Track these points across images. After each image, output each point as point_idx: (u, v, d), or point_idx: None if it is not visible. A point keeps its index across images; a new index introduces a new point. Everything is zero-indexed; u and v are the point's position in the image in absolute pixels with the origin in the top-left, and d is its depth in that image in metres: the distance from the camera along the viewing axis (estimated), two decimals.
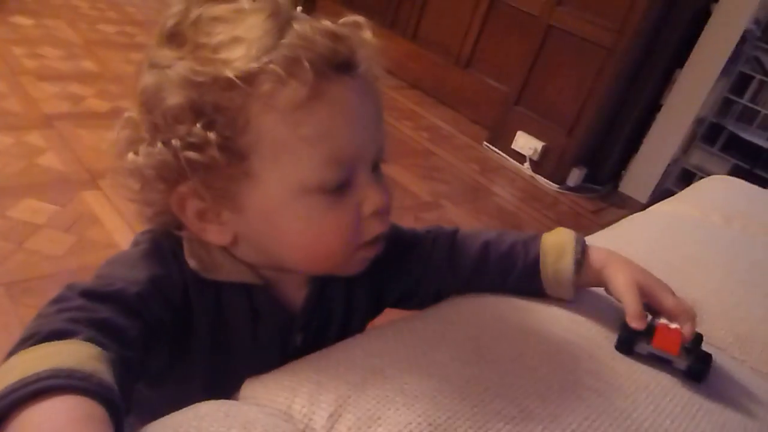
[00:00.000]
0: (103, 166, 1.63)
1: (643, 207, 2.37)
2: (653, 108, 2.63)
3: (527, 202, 2.41)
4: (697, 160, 2.66)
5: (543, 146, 2.60)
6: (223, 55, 0.43)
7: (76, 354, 0.35)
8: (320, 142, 0.45)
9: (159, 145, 0.45)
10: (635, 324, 0.54)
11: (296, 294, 0.54)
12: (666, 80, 2.59)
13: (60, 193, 1.53)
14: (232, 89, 0.42)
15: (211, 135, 0.43)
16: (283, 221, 0.47)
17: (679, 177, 2.69)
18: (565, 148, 2.57)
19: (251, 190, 0.46)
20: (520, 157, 2.68)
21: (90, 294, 0.41)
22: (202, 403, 0.40)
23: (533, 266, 0.59)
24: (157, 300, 0.45)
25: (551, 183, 2.59)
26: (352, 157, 0.47)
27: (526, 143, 2.65)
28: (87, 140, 1.80)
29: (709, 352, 0.56)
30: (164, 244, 0.49)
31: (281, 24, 0.44)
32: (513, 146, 2.69)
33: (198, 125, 0.43)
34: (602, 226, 1.06)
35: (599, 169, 2.68)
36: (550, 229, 0.63)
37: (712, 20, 2.43)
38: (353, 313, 0.59)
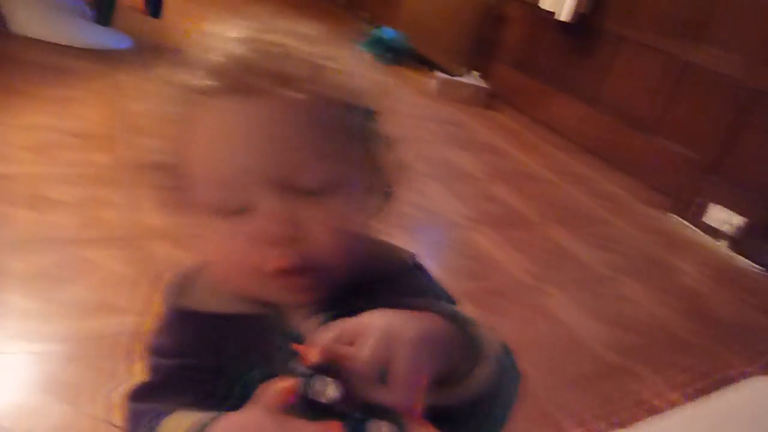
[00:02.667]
0: None
1: None
2: None
3: (722, 284, 2.12)
4: None
5: (745, 222, 2.30)
6: None
7: None
8: (202, 160, 0.47)
9: None
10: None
11: None
12: None
13: None
14: None
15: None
16: (199, 240, 0.50)
17: None
18: None
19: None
20: (712, 232, 2.40)
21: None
22: None
23: None
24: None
25: (754, 264, 2.27)
26: (233, 179, 0.46)
27: (720, 216, 2.37)
28: None
29: None
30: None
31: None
32: (704, 219, 2.42)
33: None
34: None
35: None
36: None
37: None
38: None
